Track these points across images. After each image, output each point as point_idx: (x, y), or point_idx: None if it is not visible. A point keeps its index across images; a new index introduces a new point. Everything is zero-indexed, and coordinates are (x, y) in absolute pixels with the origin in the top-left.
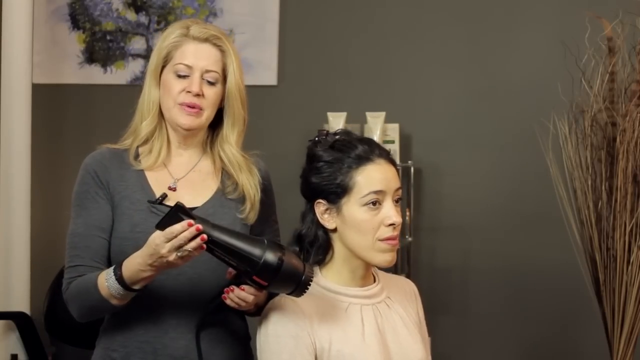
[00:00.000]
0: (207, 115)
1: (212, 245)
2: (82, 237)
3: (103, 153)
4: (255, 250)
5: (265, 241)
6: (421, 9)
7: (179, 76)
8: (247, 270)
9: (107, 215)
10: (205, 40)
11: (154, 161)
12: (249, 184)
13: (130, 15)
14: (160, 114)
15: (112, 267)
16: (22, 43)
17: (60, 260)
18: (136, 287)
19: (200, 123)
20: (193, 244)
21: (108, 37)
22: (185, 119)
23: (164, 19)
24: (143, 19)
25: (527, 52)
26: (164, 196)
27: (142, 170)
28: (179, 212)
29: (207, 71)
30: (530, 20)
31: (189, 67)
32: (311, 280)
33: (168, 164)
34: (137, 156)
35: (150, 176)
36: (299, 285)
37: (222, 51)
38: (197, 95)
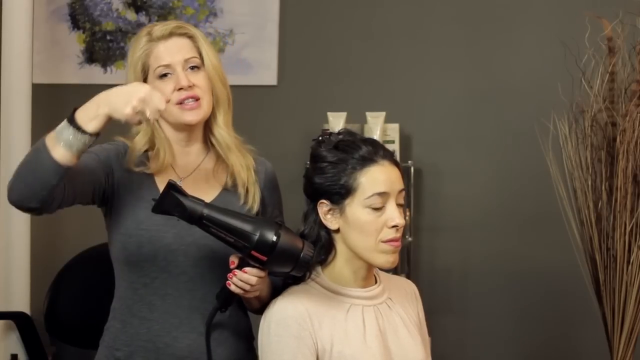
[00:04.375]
0: (207, 101)
1: (208, 222)
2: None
3: (123, 146)
4: (252, 225)
5: (261, 218)
6: (421, 9)
7: (164, 78)
8: (245, 245)
9: (97, 175)
10: (170, 34)
11: (160, 165)
12: (240, 164)
13: (130, 15)
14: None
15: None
16: (22, 43)
17: (60, 260)
18: (86, 126)
19: (204, 113)
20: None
21: (108, 37)
22: (188, 115)
23: (164, 19)
24: (143, 19)
25: (527, 53)
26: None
27: (151, 174)
28: (172, 191)
29: (187, 60)
30: (530, 20)
31: (168, 66)
32: (310, 257)
33: (175, 165)
34: (146, 160)
35: (158, 178)
36: (297, 262)
37: (190, 37)
38: (190, 87)
